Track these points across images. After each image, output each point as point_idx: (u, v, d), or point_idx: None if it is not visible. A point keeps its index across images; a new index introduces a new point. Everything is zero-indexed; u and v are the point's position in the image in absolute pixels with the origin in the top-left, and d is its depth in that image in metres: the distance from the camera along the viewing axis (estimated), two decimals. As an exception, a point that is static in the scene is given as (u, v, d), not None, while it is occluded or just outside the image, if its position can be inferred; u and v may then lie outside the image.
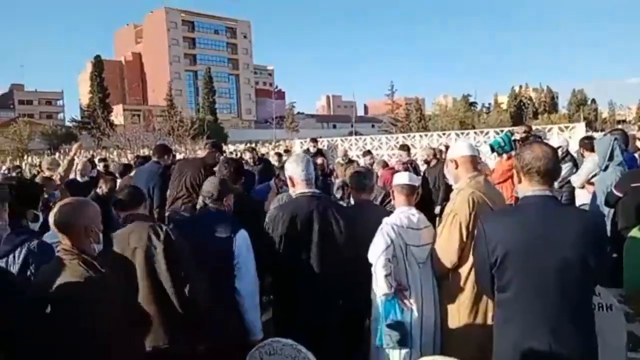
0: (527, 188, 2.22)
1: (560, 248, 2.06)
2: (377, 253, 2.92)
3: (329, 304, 3.05)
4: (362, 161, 8.64)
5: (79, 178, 6.75)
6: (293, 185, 3.22)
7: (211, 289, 2.79)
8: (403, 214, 3.11)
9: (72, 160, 5.68)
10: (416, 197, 3.25)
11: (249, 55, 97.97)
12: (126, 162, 13.61)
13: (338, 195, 4.80)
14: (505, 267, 2.16)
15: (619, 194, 4.43)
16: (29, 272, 2.39)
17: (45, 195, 4.70)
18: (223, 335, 2.83)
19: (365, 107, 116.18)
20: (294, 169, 3.18)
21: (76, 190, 5.24)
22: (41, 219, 3.02)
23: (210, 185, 3.12)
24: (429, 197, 7.26)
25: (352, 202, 3.93)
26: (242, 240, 2.94)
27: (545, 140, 7.19)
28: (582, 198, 5.97)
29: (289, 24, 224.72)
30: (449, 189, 7.04)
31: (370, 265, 2.98)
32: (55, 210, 2.20)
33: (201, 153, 6.92)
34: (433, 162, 7.79)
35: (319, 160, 8.88)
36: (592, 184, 5.46)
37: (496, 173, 6.87)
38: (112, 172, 8.37)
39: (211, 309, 2.77)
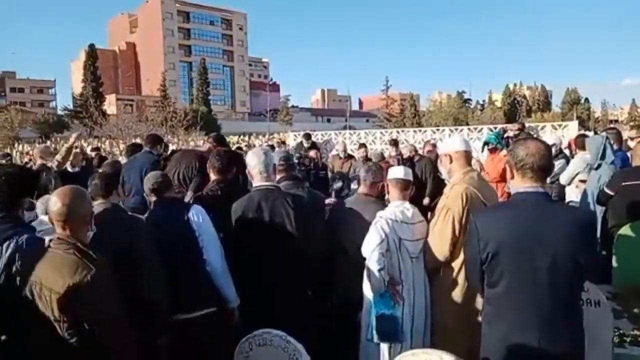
0: (520, 184, 2.22)
1: (551, 245, 2.07)
2: (371, 247, 2.93)
3: (286, 294, 3.10)
4: (357, 154, 8.66)
5: (69, 169, 6.68)
6: (252, 178, 3.30)
7: (185, 267, 2.94)
8: (397, 208, 3.11)
9: (71, 148, 5.62)
10: (411, 191, 3.25)
11: (244, 47, 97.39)
12: (118, 152, 13.54)
13: (337, 187, 4.76)
14: (496, 263, 2.16)
15: (611, 193, 4.46)
16: (14, 269, 2.24)
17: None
18: (202, 308, 2.94)
19: (360, 102, 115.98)
20: (250, 163, 3.26)
21: (68, 181, 5.19)
22: (37, 208, 2.99)
23: (151, 179, 3.19)
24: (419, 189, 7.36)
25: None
26: (197, 214, 3.04)
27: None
28: (572, 195, 6.02)
29: (285, 16, 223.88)
30: (437, 181, 7.17)
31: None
32: (55, 198, 2.18)
33: (194, 144, 6.82)
34: (416, 158, 7.94)
35: (312, 154, 8.85)
36: (584, 181, 5.50)
37: (492, 170, 6.88)
38: (106, 158, 8.30)
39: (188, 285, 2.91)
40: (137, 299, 2.55)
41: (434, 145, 8.49)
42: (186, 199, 3.63)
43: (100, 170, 5.39)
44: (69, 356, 2.09)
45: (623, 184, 4.36)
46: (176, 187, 4.65)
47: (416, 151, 8.28)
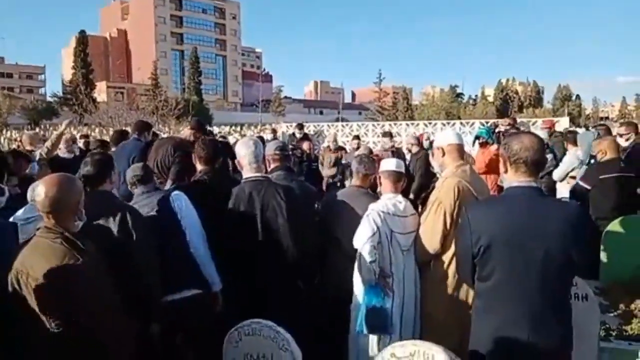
0: (513, 178, 2.22)
1: (543, 239, 2.07)
2: (362, 240, 2.92)
3: (276, 286, 3.09)
4: (349, 145, 8.67)
5: (61, 154, 6.60)
6: (242, 169, 3.29)
7: (169, 251, 2.93)
8: (389, 200, 3.11)
9: (61, 135, 5.55)
10: (403, 183, 3.25)
11: (237, 36, 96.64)
12: (108, 140, 13.39)
13: (328, 174, 4.72)
14: (488, 257, 2.16)
15: (587, 187, 4.44)
16: None
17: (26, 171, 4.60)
18: (187, 289, 2.96)
19: (353, 94, 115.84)
20: (239, 153, 3.25)
21: (59, 167, 5.12)
22: (6, 193, 2.94)
23: (132, 172, 3.23)
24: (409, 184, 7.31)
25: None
26: (178, 199, 3.08)
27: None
28: (564, 191, 6.06)
29: (279, 7, 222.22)
30: (426, 177, 7.13)
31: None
32: (41, 186, 2.12)
33: (184, 134, 6.74)
34: (415, 150, 7.90)
35: (305, 146, 8.84)
36: (574, 177, 5.54)
37: (480, 163, 6.90)
38: (107, 142, 8.19)
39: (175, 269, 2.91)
40: (130, 286, 2.53)
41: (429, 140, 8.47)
42: (165, 188, 3.61)
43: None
44: (58, 349, 2.06)
45: (600, 177, 4.36)
46: (156, 176, 4.61)
47: (419, 143, 8.15)
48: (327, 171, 4.36)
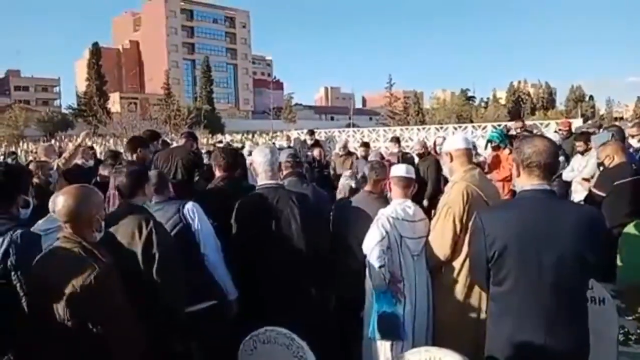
0: (526, 182, 2.20)
1: (558, 243, 2.05)
2: (371, 244, 2.93)
3: (291, 292, 3.09)
4: (359, 153, 8.64)
5: (79, 162, 6.67)
6: (256, 176, 3.31)
7: (185, 263, 2.84)
8: (399, 205, 3.11)
9: (79, 146, 5.64)
10: (413, 189, 3.25)
11: (248, 45, 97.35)
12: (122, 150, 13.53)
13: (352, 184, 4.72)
14: (502, 261, 2.15)
15: (602, 194, 4.35)
16: (9, 263, 2.28)
17: (41, 178, 4.67)
18: (203, 301, 2.96)
19: (364, 100, 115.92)
20: (255, 160, 3.27)
21: (77, 177, 5.17)
22: (31, 205, 2.99)
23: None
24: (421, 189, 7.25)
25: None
26: (191, 210, 3.06)
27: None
28: (580, 195, 5.97)
29: (288, 14, 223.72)
30: (438, 183, 7.06)
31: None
32: (60, 197, 2.19)
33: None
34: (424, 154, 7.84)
35: (316, 152, 8.84)
36: (588, 180, 5.47)
37: (501, 167, 6.82)
38: (101, 160, 8.32)
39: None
40: (156, 303, 2.54)
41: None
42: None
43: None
44: (71, 352, 2.10)
45: (615, 183, 4.27)
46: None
47: (426, 148, 8.09)
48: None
